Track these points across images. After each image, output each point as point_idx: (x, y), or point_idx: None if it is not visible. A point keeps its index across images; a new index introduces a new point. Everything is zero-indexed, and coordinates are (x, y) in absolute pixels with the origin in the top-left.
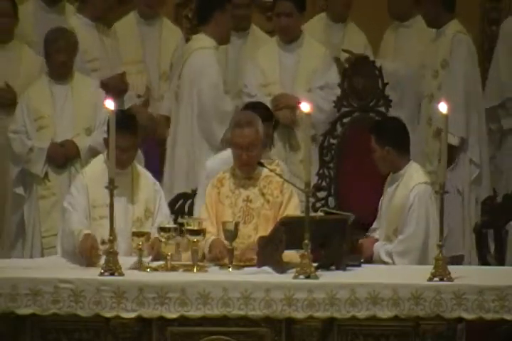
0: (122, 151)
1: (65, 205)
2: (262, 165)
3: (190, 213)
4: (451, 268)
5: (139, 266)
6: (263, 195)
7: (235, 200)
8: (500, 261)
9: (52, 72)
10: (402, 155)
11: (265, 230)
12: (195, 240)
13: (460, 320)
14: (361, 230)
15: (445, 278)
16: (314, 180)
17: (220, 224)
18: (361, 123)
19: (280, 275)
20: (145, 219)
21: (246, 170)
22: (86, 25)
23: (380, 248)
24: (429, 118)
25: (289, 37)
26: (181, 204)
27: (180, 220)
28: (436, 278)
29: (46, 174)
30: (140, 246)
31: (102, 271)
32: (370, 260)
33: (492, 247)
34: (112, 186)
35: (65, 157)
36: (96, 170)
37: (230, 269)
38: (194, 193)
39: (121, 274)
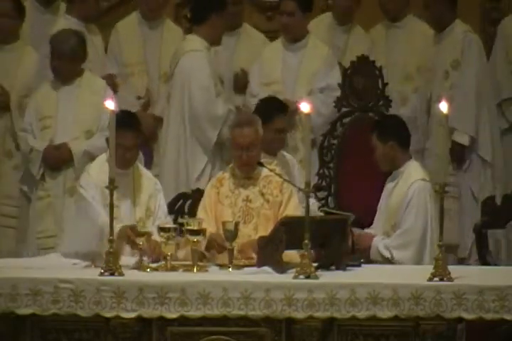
0: (126, 150)
1: (85, 197)
2: (261, 165)
3: (190, 213)
4: (451, 268)
5: (140, 266)
6: (263, 194)
7: (234, 200)
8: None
9: (53, 76)
10: (404, 150)
11: (265, 230)
12: (195, 240)
13: (460, 320)
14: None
15: (445, 278)
16: (314, 180)
17: (220, 224)
18: (361, 123)
19: (280, 275)
20: (146, 218)
21: (246, 170)
22: (75, 26)
23: (379, 242)
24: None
25: (291, 36)
26: (181, 204)
27: (180, 220)
28: (436, 278)
29: (43, 175)
30: (140, 246)
31: (102, 271)
32: (367, 254)
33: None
34: (111, 186)
35: (58, 160)
36: (100, 171)
37: (230, 269)
38: (194, 193)
39: (121, 274)
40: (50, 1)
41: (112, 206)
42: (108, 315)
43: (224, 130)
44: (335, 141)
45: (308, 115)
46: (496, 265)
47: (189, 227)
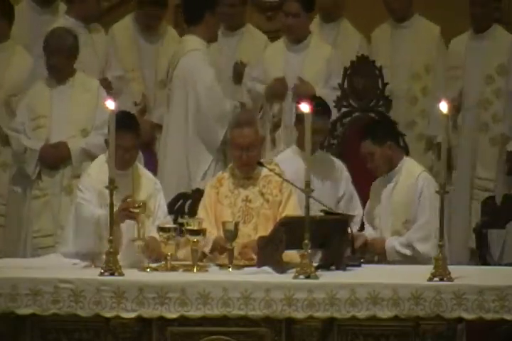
0: (125, 151)
1: (78, 201)
2: (261, 164)
3: (190, 213)
4: (451, 268)
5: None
6: (262, 194)
7: (234, 200)
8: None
9: (48, 74)
10: (399, 148)
11: (265, 230)
12: (195, 240)
13: (460, 320)
14: (360, 230)
15: (445, 278)
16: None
17: (220, 224)
18: (361, 123)
19: (280, 275)
20: (146, 218)
21: (245, 170)
22: (74, 27)
23: (393, 242)
24: (484, 124)
25: (295, 37)
26: (181, 204)
27: (180, 220)
28: (436, 278)
29: (39, 174)
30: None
31: (102, 271)
32: (384, 258)
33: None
34: (111, 186)
35: (56, 158)
36: (99, 171)
37: (230, 269)
38: (194, 193)
39: (121, 274)
40: (49, 2)
41: (111, 206)
42: (108, 315)
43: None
44: (335, 141)
45: (308, 115)
46: (495, 265)
47: (189, 227)
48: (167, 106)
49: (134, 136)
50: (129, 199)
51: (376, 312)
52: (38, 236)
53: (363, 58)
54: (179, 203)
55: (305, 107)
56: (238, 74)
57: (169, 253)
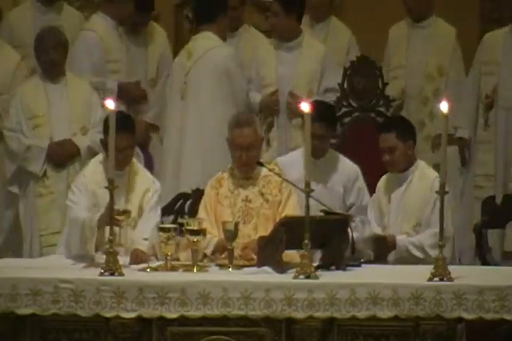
0: (119, 151)
1: (67, 203)
2: (261, 164)
3: (190, 213)
4: (451, 268)
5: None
6: (262, 194)
7: (234, 200)
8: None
9: (43, 72)
10: (413, 150)
11: (265, 230)
12: (195, 240)
13: (460, 320)
14: None
15: (445, 278)
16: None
17: (220, 224)
18: (361, 123)
19: (280, 275)
20: (138, 217)
21: (245, 170)
22: (109, 26)
23: (405, 242)
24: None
25: (279, 35)
26: (181, 204)
27: (180, 220)
28: (436, 278)
29: (45, 172)
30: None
31: (102, 271)
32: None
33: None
34: (111, 186)
35: (63, 156)
36: (94, 172)
37: (230, 269)
38: (194, 193)
39: (121, 274)
40: (53, 1)
41: (111, 206)
42: (108, 315)
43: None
44: (335, 141)
45: (308, 115)
46: (495, 265)
47: (189, 227)
48: (181, 98)
49: (129, 137)
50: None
51: (376, 312)
52: (46, 234)
53: (363, 58)
54: (179, 203)
55: (305, 107)
56: None
57: (169, 253)
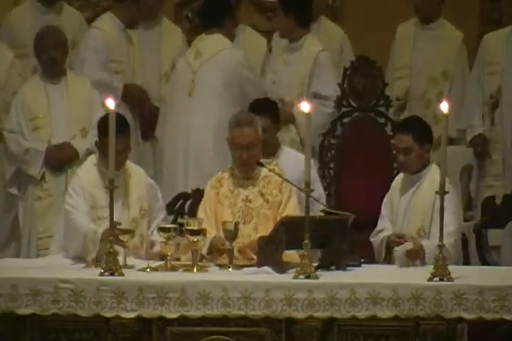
0: (117, 154)
1: (66, 207)
2: (261, 164)
3: (190, 213)
4: (451, 268)
5: (125, 264)
6: (262, 194)
7: (234, 200)
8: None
9: (44, 71)
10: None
11: (265, 230)
12: (195, 240)
13: (460, 320)
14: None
15: (445, 278)
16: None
17: (220, 224)
18: (361, 123)
19: (280, 275)
20: (140, 218)
21: (245, 170)
22: (117, 26)
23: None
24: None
25: (280, 35)
26: (181, 204)
27: (180, 220)
28: (436, 278)
29: (43, 175)
30: (125, 243)
31: (102, 271)
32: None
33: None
34: (111, 186)
35: (62, 159)
36: (89, 173)
37: (230, 269)
38: (194, 193)
39: (121, 274)
40: (53, 1)
41: (111, 206)
42: (108, 315)
43: None
44: (335, 141)
45: (308, 115)
46: (495, 265)
47: (189, 227)
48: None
49: (125, 139)
50: (118, 227)
51: (376, 312)
52: (43, 237)
53: (363, 58)
54: (179, 203)
55: (305, 106)
56: None
57: (169, 253)
